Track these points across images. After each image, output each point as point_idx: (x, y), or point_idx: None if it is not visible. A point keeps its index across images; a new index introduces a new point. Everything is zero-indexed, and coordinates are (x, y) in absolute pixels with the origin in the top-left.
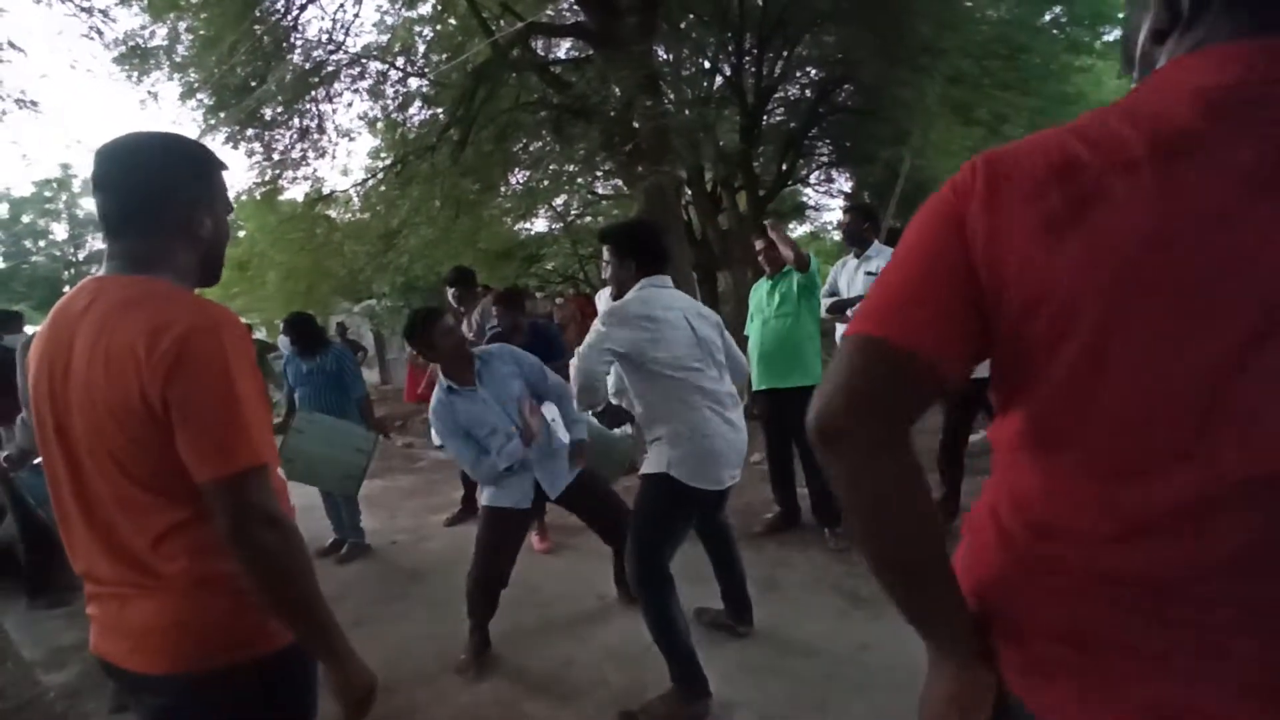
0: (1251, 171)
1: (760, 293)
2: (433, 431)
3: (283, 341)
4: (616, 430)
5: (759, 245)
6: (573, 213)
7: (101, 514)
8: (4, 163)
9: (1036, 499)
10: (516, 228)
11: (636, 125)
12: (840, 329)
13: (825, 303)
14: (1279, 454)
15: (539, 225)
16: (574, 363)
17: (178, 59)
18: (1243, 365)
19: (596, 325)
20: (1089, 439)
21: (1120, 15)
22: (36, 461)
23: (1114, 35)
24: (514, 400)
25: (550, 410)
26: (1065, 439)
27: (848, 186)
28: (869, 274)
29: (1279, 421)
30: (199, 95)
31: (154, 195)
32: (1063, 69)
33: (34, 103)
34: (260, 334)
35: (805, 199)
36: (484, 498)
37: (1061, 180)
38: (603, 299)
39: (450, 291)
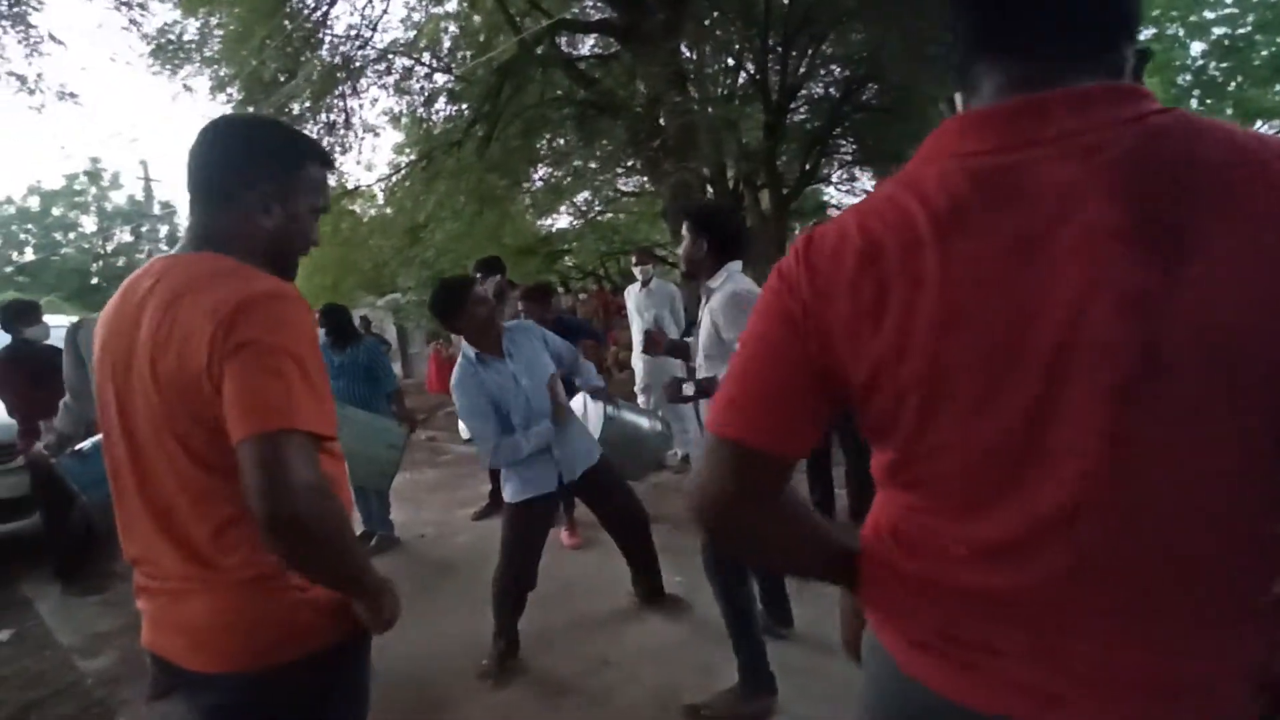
0: (1018, 237)
1: None
2: (460, 424)
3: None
4: (646, 424)
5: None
6: (595, 209)
7: (162, 500)
8: (37, 155)
9: (904, 524)
10: (540, 223)
11: (663, 122)
12: None
13: None
14: (1082, 487)
15: (561, 222)
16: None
17: (209, 54)
18: (1042, 412)
19: (736, 327)
20: (936, 482)
21: (1156, 13)
22: (79, 447)
23: (1150, 33)
24: (545, 374)
25: (577, 403)
26: (919, 480)
27: (870, 185)
28: None
29: (1079, 458)
30: (229, 90)
31: (227, 173)
32: None
33: (74, 95)
34: None
35: (827, 198)
36: (507, 493)
37: (868, 267)
38: (631, 295)
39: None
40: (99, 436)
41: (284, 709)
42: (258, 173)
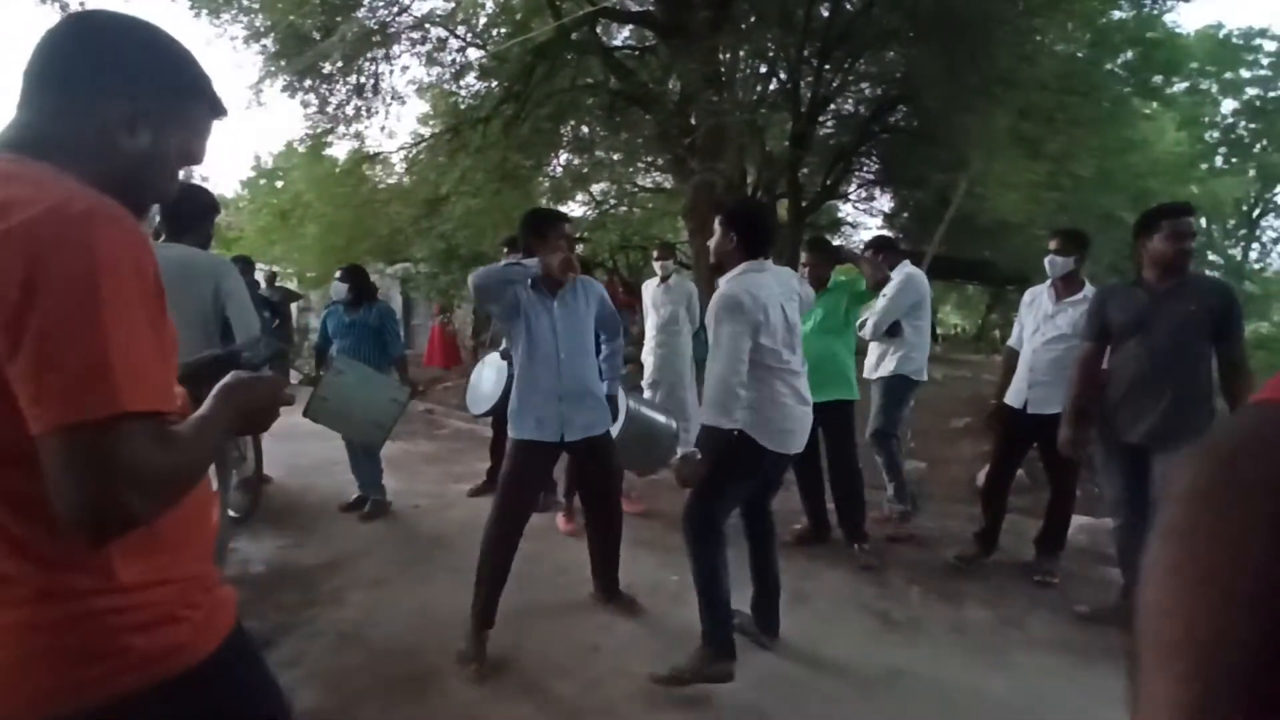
0: None
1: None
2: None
3: (336, 289)
4: (662, 418)
5: (804, 259)
6: (610, 200)
7: None
8: None
9: None
10: (558, 208)
11: (694, 121)
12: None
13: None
14: None
15: (577, 211)
16: (717, 372)
17: (247, 2)
18: None
19: (719, 329)
20: None
21: (1194, 65)
22: None
23: (1182, 86)
24: (583, 334)
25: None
26: None
27: (888, 206)
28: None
29: None
30: (264, 40)
31: (99, 69)
32: (1129, 114)
33: None
34: (292, 284)
35: (842, 215)
36: (513, 429)
37: None
38: (649, 290)
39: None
40: None
41: None
42: (140, 83)
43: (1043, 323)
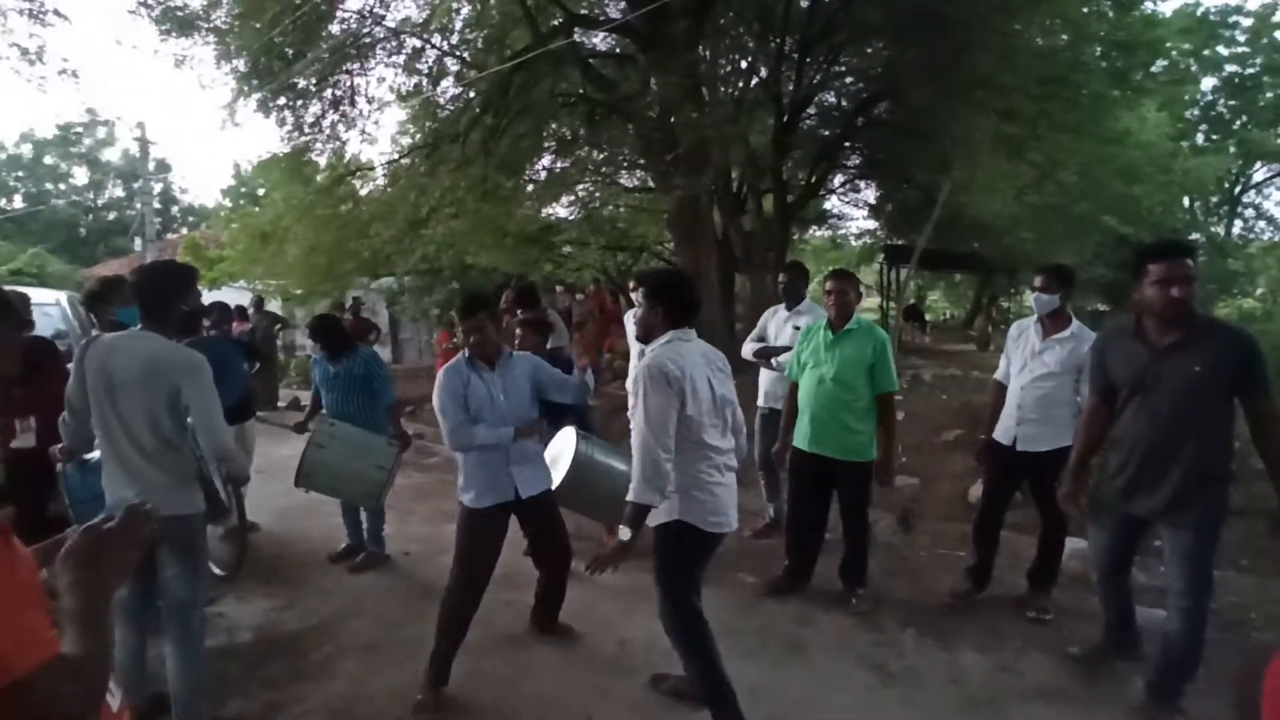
0: None
1: (816, 340)
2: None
3: (313, 347)
4: (621, 468)
5: (829, 286)
6: (596, 199)
7: None
8: (31, 101)
9: None
10: (543, 212)
11: (675, 134)
12: (764, 376)
13: (750, 348)
14: None
15: (561, 212)
16: (642, 444)
17: (217, 22)
18: None
19: (645, 401)
20: None
21: (1169, 45)
22: (86, 456)
23: (1160, 66)
24: (524, 401)
25: (566, 435)
26: None
27: (872, 198)
28: (796, 327)
29: None
30: (234, 61)
31: None
32: (1110, 105)
33: (75, 74)
34: (274, 306)
35: (830, 207)
36: (467, 499)
37: None
38: (630, 320)
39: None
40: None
41: None
42: None
43: (1030, 359)
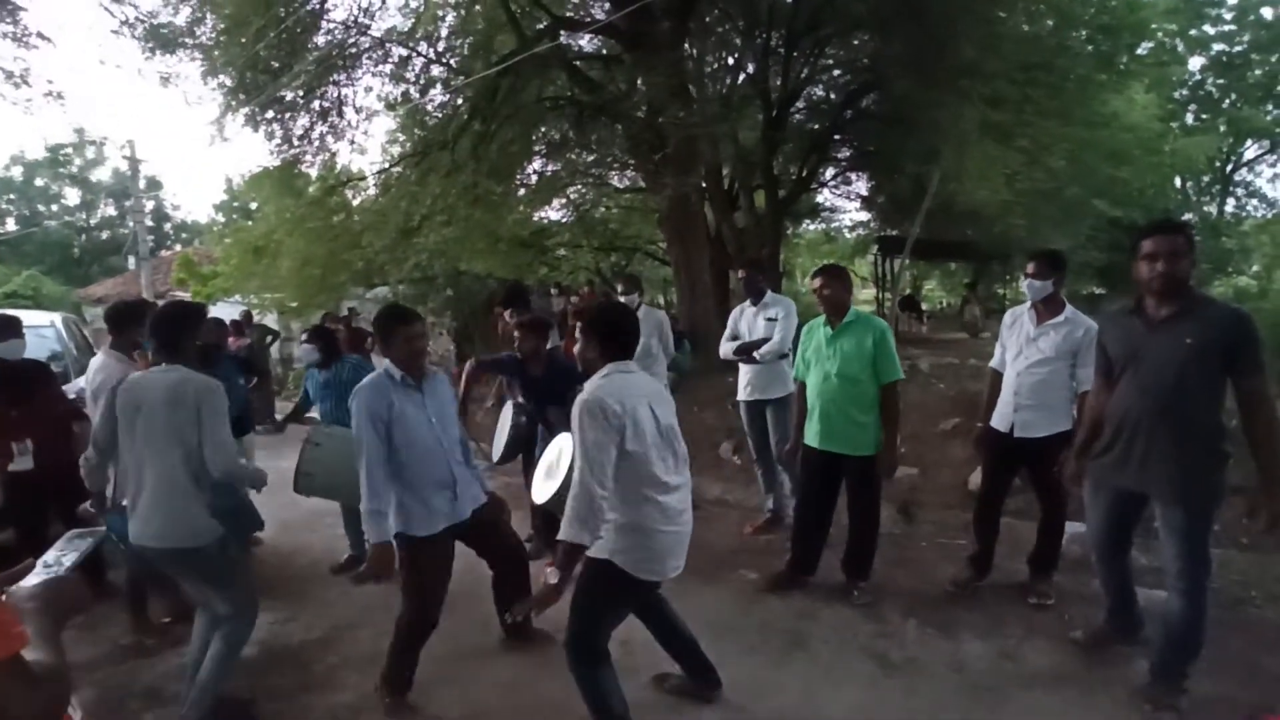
0: None
1: (817, 337)
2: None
3: (305, 351)
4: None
5: (817, 284)
6: (587, 201)
7: None
8: (19, 123)
9: None
10: (535, 217)
11: (663, 134)
12: (744, 369)
13: (727, 347)
14: None
15: (554, 214)
16: (579, 481)
17: (202, 39)
18: None
19: (582, 436)
20: None
21: (1154, 27)
22: (123, 503)
23: (1147, 47)
24: (452, 422)
25: (553, 451)
26: None
27: (864, 190)
28: (769, 319)
29: None
30: (220, 76)
31: None
32: (1096, 87)
33: (60, 95)
34: (269, 319)
35: (820, 200)
36: (413, 526)
37: None
38: None
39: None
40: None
41: None
42: None
43: (1025, 346)
